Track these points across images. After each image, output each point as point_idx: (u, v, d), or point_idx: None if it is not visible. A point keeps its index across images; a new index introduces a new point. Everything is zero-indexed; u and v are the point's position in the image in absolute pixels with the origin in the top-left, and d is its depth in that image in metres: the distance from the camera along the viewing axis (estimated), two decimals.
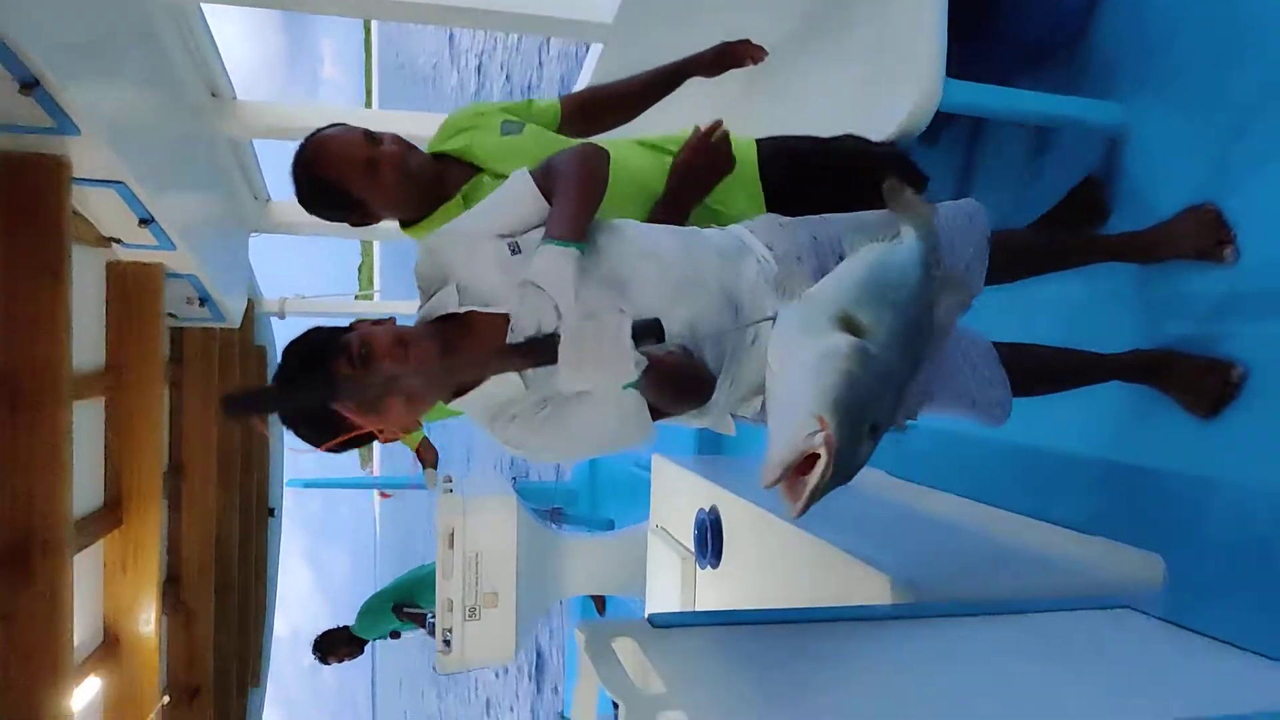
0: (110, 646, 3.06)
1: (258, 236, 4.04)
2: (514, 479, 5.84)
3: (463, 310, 1.46)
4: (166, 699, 3.16)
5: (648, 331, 1.31)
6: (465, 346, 1.46)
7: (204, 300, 3.48)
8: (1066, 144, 2.23)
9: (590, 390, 1.43)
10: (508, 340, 1.40)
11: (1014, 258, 1.82)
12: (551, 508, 5.56)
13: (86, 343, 2.98)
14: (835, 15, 2.31)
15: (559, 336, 1.30)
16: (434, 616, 4.33)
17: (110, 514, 3.04)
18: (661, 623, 1.59)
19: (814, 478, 1.01)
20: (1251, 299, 1.78)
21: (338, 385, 1.33)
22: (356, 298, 5.85)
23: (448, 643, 4.23)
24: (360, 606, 5.45)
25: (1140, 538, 1.96)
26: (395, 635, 5.12)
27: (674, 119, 2.10)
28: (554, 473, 6.94)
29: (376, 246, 29.53)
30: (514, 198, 1.52)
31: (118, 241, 2.93)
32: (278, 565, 5.57)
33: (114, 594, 3.08)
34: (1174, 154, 1.99)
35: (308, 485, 6.81)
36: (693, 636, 1.56)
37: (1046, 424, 2.28)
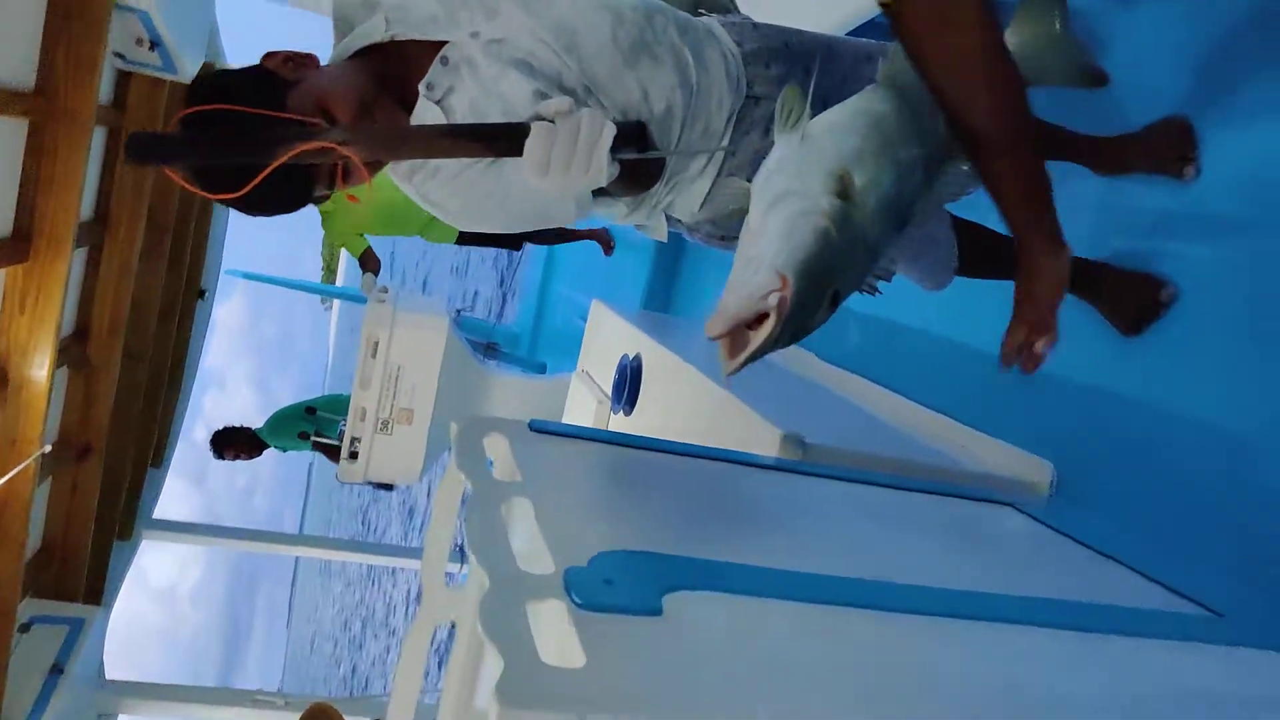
0: None
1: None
2: (458, 311, 5.78)
3: (389, 39, 1.35)
4: (48, 448, 3.08)
5: (630, 137, 1.20)
6: (399, 81, 1.34)
7: (155, 44, 3.28)
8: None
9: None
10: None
11: None
12: (488, 342, 5.52)
13: (17, 60, 2.79)
14: None
15: (528, 128, 1.17)
16: (344, 424, 4.32)
17: (16, 246, 2.91)
18: (539, 428, 1.55)
19: (759, 336, 0.95)
20: (1199, 221, 1.74)
21: (280, 141, 1.15)
22: None
23: (355, 453, 4.23)
24: (270, 415, 5.44)
25: (1035, 443, 1.96)
26: (305, 436, 5.12)
27: None
28: (499, 315, 6.90)
29: None
30: None
31: None
32: (201, 350, 5.48)
33: (8, 331, 2.97)
34: (1153, 68, 1.91)
35: (246, 277, 6.66)
36: (567, 446, 1.53)
37: (971, 322, 2.26)
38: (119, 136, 3.71)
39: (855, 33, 2.17)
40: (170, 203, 4.28)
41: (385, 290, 4.31)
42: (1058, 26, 1.22)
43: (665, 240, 1.62)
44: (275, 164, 1.11)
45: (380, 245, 5.20)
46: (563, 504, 1.19)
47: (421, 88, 1.32)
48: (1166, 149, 1.78)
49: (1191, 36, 1.86)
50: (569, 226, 4.99)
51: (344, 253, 5.03)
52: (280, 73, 1.30)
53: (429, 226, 4.89)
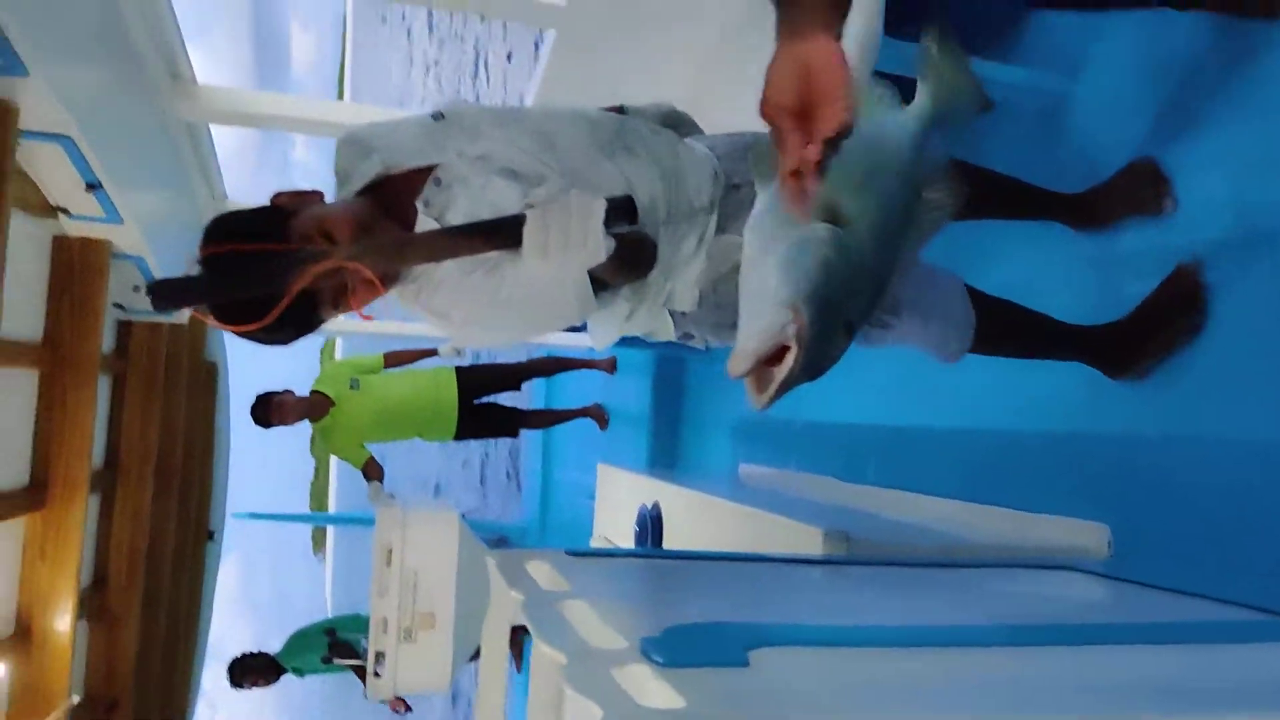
0: (21, 636, 2.92)
1: None
2: (463, 515, 5.75)
3: (385, 173, 1.41)
4: (76, 700, 2.99)
5: (619, 211, 1.23)
6: (399, 208, 1.41)
7: None
8: (1008, 114, 2.26)
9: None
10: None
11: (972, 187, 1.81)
12: (498, 537, 5.45)
13: (26, 314, 2.91)
14: None
15: (523, 217, 1.23)
16: (366, 642, 4.19)
17: (34, 494, 2.93)
18: (576, 552, 1.54)
19: (783, 370, 0.96)
20: (1194, 249, 1.78)
21: (290, 268, 1.20)
22: None
23: (380, 666, 4.08)
24: (289, 637, 5.29)
25: (1084, 509, 1.93)
26: (328, 660, 4.95)
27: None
28: (504, 513, 6.85)
29: None
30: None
31: (64, 212, 2.88)
32: (214, 592, 5.38)
33: (30, 580, 2.95)
34: (1113, 121, 2.02)
35: (253, 517, 6.62)
36: (607, 564, 1.51)
37: (987, 405, 2.27)
38: (123, 384, 3.81)
39: None
40: (176, 446, 4.32)
41: (392, 497, 4.29)
42: (959, 64, 1.28)
43: (673, 338, 1.64)
44: (292, 291, 1.15)
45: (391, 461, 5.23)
46: (616, 602, 1.17)
47: (419, 204, 1.40)
48: (1140, 190, 1.86)
49: (1135, 85, 1.98)
50: (574, 357, 5.03)
51: (334, 465, 5.04)
52: (286, 206, 1.38)
53: (427, 426, 4.93)
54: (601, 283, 1.42)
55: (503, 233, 1.23)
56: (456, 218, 1.39)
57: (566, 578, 1.30)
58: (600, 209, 1.18)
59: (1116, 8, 1.64)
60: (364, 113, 3.60)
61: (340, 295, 1.31)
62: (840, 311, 1.00)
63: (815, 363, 0.98)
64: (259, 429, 4.75)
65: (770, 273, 0.99)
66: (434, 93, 18.63)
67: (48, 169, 2.69)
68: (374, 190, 1.43)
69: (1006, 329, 1.74)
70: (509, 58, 11.82)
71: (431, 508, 4.26)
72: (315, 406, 4.70)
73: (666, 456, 4.36)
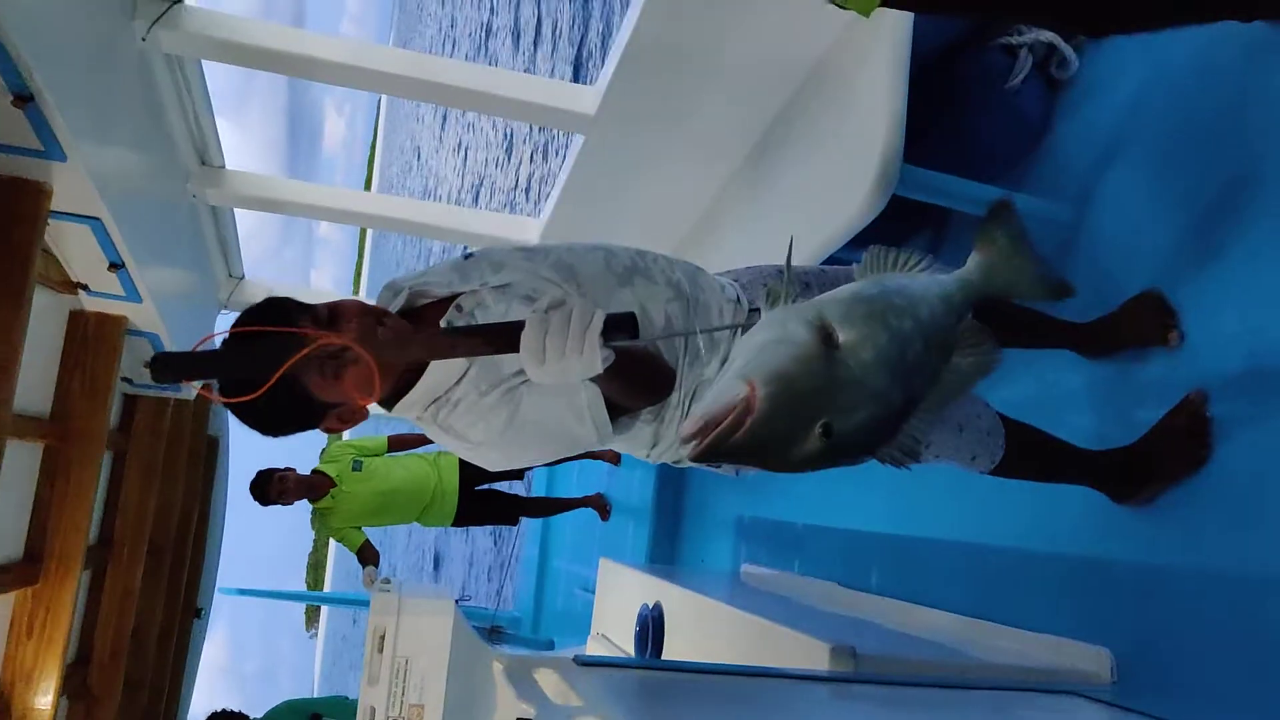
0: (0, 712, 2.86)
1: (227, 314, 4.04)
2: (456, 600, 5.67)
3: (411, 306, 1.48)
4: None
5: (620, 325, 1.21)
6: (420, 327, 1.45)
7: None
8: None
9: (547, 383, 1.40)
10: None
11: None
12: (491, 626, 5.36)
13: (36, 387, 2.93)
14: (805, 109, 2.45)
15: (523, 323, 1.23)
16: None
17: (27, 568, 2.90)
18: (586, 661, 1.53)
19: (722, 427, 0.93)
20: (1199, 383, 1.82)
21: (287, 346, 1.20)
22: None
23: None
24: (271, 708, 5.15)
25: (1088, 633, 1.93)
26: None
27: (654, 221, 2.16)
28: (496, 602, 6.73)
29: None
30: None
31: (84, 288, 2.93)
32: (197, 669, 5.27)
33: (15, 658, 2.89)
34: (1120, 253, 2.08)
35: (241, 593, 6.53)
36: (618, 675, 1.50)
37: (993, 523, 2.27)
38: (124, 460, 3.80)
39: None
40: (171, 523, 4.29)
41: (388, 581, 4.24)
42: (1017, 246, 1.31)
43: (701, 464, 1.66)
44: (288, 363, 1.16)
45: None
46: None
47: (442, 323, 1.44)
48: (1146, 322, 1.90)
49: (1145, 217, 2.05)
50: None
51: (332, 549, 5.00)
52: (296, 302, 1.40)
53: (426, 511, 4.91)
54: (621, 408, 1.45)
55: (502, 335, 1.22)
56: None
57: (577, 691, 1.30)
58: (599, 319, 1.18)
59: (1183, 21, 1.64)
60: (388, 204, 3.70)
61: (337, 376, 1.33)
62: (811, 405, 0.96)
63: (764, 442, 0.95)
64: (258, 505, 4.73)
65: (741, 353, 0.99)
66: (461, 173, 19.01)
67: (73, 247, 2.75)
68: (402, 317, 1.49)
69: (1029, 450, 1.76)
70: (541, 152, 12.16)
71: (428, 594, 4.21)
72: (316, 486, 4.68)
73: (667, 551, 4.33)
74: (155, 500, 3.88)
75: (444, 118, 23.58)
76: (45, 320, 2.94)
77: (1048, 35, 2.25)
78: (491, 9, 18.66)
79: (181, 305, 3.48)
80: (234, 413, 1.39)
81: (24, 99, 2.04)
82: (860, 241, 2.22)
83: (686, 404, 1.55)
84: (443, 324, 1.45)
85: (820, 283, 1.68)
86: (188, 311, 3.60)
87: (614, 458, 5.10)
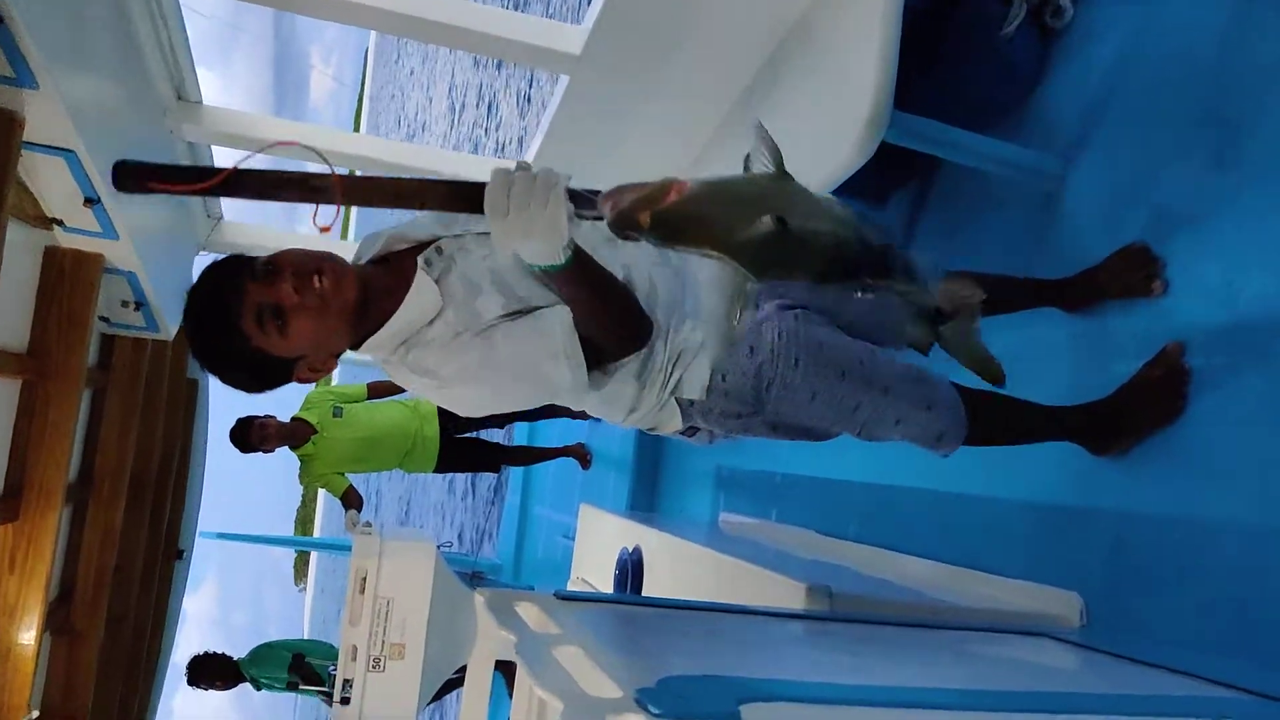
0: None
1: (205, 255, 3.99)
2: (438, 547, 5.70)
3: (389, 250, 1.51)
4: (35, 714, 2.94)
5: (584, 200, 1.19)
6: (400, 275, 1.45)
7: (140, 304, 3.41)
8: (1004, 194, 2.32)
9: (517, 294, 1.41)
10: None
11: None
12: (473, 572, 5.41)
13: (12, 323, 2.89)
14: (796, 52, 2.42)
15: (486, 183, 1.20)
16: (334, 669, 4.14)
17: (8, 503, 2.89)
18: (566, 595, 1.55)
19: (642, 195, 1.04)
20: (1182, 331, 1.83)
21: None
22: None
23: (347, 698, 4.03)
24: (255, 646, 5.21)
25: (1059, 578, 1.96)
26: (293, 686, 4.89)
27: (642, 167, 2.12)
28: (478, 549, 6.78)
29: None
30: None
31: (59, 224, 2.88)
32: (180, 612, 5.30)
33: None
34: (1107, 206, 2.08)
35: (222, 537, 6.54)
36: (596, 609, 1.52)
37: (967, 472, 2.29)
38: (103, 397, 3.78)
39: None
40: (152, 463, 4.28)
41: (369, 525, 4.26)
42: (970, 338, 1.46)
43: (680, 428, 1.66)
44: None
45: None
46: (609, 649, 1.18)
47: (420, 260, 1.45)
48: (1131, 272, 1.91)
49: (1131, 171, 2.05)
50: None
51: (321, 495, 5.02)
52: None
53: (408, 457, 4.92)
54: (595, 352, 1.44)
55: (466, 194, 1.20)
56: (455, 280, 1.44)
57: (556, 621, 1.31)
58: (565, 180, 1.17)
59: None
60: (374, 144, 3.64)
61: (282, 332, 1.36)
62: (756, 202, 1.06)
63: (695, 217, 1.04)
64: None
65: None
66: (448, 122, 18.85)
67: (47, 181, 2.69)
68: (379, 262, 1.50)
69: (996, 422, 1.78)
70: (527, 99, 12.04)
71: (409, 537, 4.23)
72: (296, 433, 4.67)
73: (647, 501, 4.36)
74: (135, 439, 3.86)
75: (433, 68, 23.21)
76: (20, 255, 2.89)
77: None
78: None
79: (160, 244, 3.43)
80: (213, 372, 1.45)
81: None
82: (850, 188, 2.21)
83: (669, 369, 1.55)
84: (421, 259, 1.45)
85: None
86: (166, 250, 3.56)
87: (583, 455, 5.14)
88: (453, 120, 18.76)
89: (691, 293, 1.58)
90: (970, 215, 2.46)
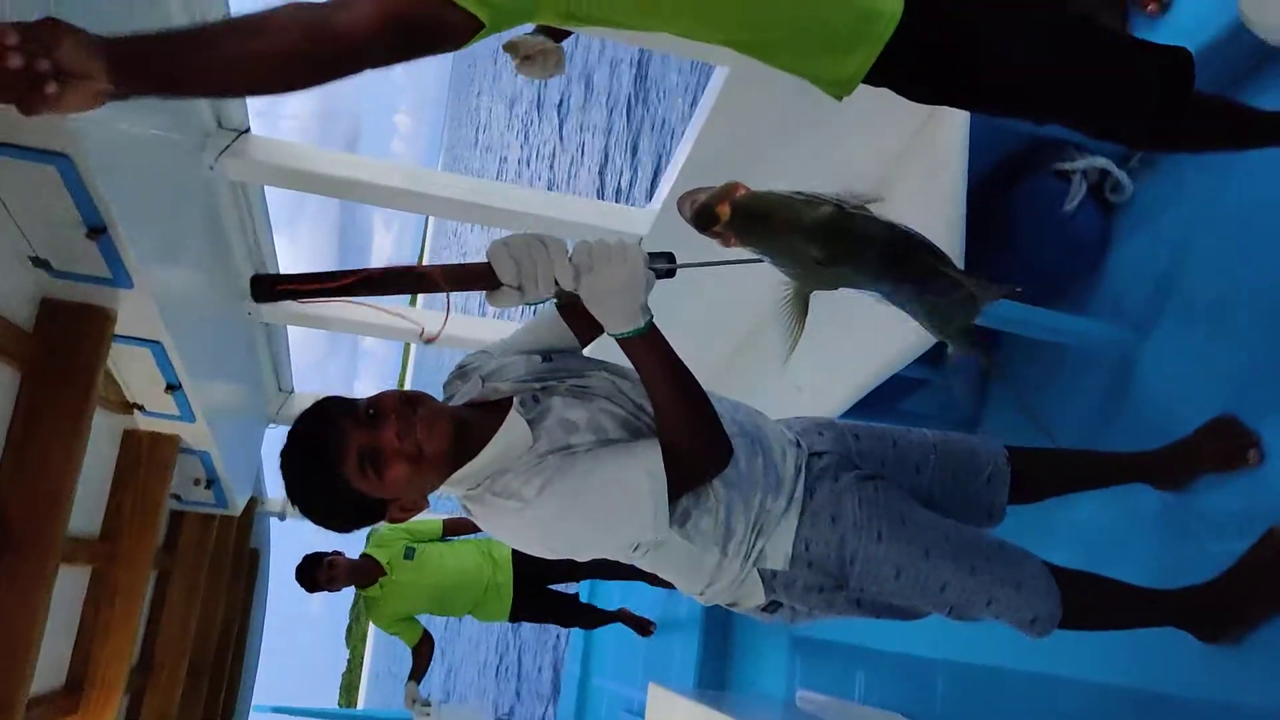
0: None
1: (275, 429, 4.06)
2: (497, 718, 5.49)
3: (488, 393, 1.51)
4: None
5: (662, 256, 1.34)
6: (475, 419, 1.46)
7: (211, 482, 3.45)
8: (1078, 366, 2.29)
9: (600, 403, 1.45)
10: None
11: (1035, 473, 1.83)
12: None
13: (87, 507, 2.93)
14: None
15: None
16: None
17: (68, 698, 2.85)
18: None
19: (710, 195, 1.20)
20: (1275, 515, 1.75)
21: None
22: None
23: None
24: None
25: None
26: None
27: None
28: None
29: None
30: (545, 321, 1.61)
31: (139, 408, 2.96)
32: None
33: None
34: (1188, 376, 2.03)
35: (276, 711, 6.40)
36: None
37: (1057, 649, 2.17)
38: (168, 578, 3.78)
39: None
40: (210, 643, 4.25)
41: (428, 705, 4.14)
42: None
43: (763, 602, 1.61)
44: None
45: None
46: None
47: (515, 400, 1.47)
48: (1224, 444, 1.84)
49: (1209, 337, 2.01)
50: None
51: (367, 657, 4.71)
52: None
53: (480, 606, 4.69)
54: (677, 490, 1.43)
55: (477, 271, 1.29)
56: (551, 422, 1.44)
57: None
58: (639, 247, 1.30)
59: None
60: (434, 317, 3.74)
61: (379, 475, 1.38)
62: (812, 198, 1.24)
63: (765, 207, 1.20)
64: (302, 594, 4.42)
65: None
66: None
67: (132, 369, 2.79)
68: (473, 406, 1.53)
69: (1091, 605, 1.71)
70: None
71: (467, 715, 4.10)
72: (365, 572, 4.35)
73: (717, 673, 4.18)
74: (197, 619, 3.85)
75: (494, 235, 24.35)
76: (99, 440, 2.96)
77: (1101, 161, 2.25)
78: (527, 133, 19.30)
79: (232, 421, 3.51)
80: (306, 512, 1.46)
81: (98, 231, 2.09)
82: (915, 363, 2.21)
83: (752, 538, 1.52)
84: (515, 402, 1.47)
85: (868, 435, 1.73)
86: (238, 427, 3.63)
87: (646, 627, 4.93)
88: None
89: (771, 463, 1.56)
90: (1043, 388, 2.43)
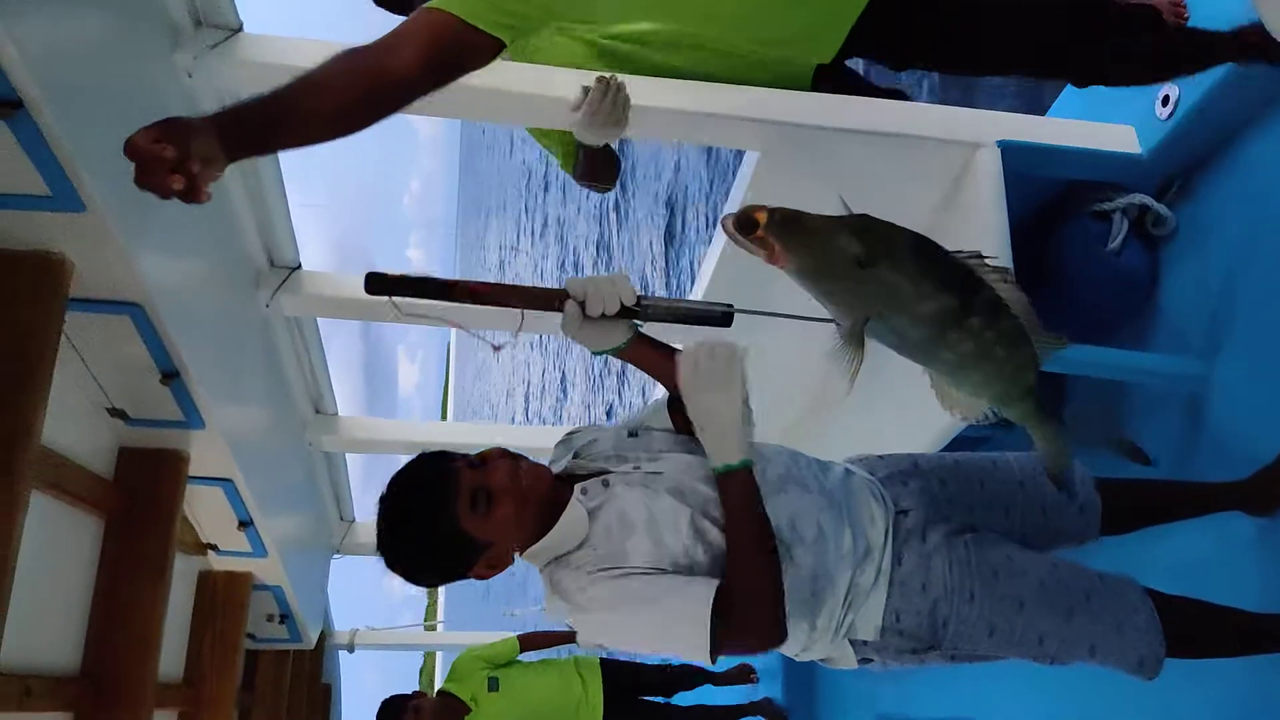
0: None
1: (340, 558, 4.07)
2: None
3: (567, 469, 1.57)
4: None
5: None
6: (560, 493, 1.51)
7: (284, 617, 3.46)
8: (1150, 404, 2.26)
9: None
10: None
11: (1126, 503, 1.80)
12: None
13: (170, 652, 2.95)
14: None
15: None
16: None
17: None
18: None
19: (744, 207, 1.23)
20: None
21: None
22: (425, 628, 5.70)
23: None
24: None
25: None
26: None
27: None
28: None
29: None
30: (654, 407, 1.66)
31: (213, 548, 3.00)
32: None
33: None
34: (1264, 399, 2.00)
35: None
36: None
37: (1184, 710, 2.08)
38: (247, 717, 3.76)
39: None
40: None
41: None
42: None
43: (855, 667, 1.58)
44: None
45: None
46: None
47: (577, 489, 1.50)
48: None
49: (1276, 362, 1.98)
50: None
51: None
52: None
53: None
54: (720, 639, 1.39)
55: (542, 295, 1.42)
56: (611, 514, 1.46)
57: None
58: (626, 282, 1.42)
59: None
60: (469, 431, 3.77)
61: (488, 511, 1.44)
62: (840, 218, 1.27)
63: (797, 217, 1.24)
64: None
65: None
66: (523, 411, 20.01)
67: (204, 509, 2.84)
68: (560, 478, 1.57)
69: (1197, 630, 1.65)
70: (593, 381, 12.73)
71: None
72: (452, 712, 4.05)
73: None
74: None
75: (513, 352, 24.69)
76: (178, 583, 2.99)
77: (1138, 197, 2.27)
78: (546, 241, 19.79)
79: (302, 553, 3.54)
80: (403, 557, 1.48)
81: (170, 376, 2.17)
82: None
83: (843, 613, 1.50)
84: (578, 489, 1.50)
85: (952, 473, 1.70)
86: (307, 558, 3.65)
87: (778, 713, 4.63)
88: (530, 407, 19.83)
89: (860, 533, 1.54)
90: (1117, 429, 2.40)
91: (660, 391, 1.64)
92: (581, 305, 1.40)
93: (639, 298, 1.43)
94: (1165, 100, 2.20)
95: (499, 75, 1.93)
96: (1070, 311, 2.33)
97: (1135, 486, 1.88)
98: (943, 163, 2.21)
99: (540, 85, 1.98)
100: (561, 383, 16.67)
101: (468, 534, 1.44)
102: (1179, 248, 2.30)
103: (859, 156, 2.17)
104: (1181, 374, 2.16)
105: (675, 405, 1.60)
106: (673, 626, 1.41)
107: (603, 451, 1.58)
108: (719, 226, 1.42)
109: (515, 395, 23.55)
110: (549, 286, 1.45)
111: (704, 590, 1.38)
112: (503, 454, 1.48)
